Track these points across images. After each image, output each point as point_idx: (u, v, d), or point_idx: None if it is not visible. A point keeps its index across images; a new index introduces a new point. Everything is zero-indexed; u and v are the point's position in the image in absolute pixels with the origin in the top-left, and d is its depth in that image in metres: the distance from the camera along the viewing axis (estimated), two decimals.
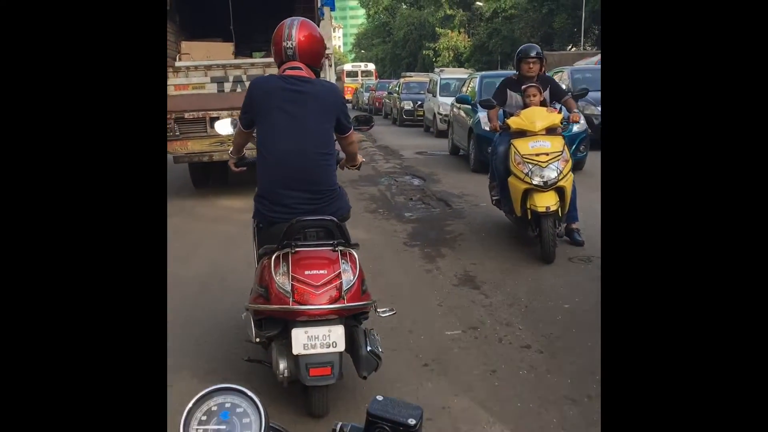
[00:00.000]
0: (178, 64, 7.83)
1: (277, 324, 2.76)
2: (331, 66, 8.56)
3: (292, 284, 2.66)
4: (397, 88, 21.76)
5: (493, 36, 44.16)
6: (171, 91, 7.48)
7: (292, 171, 2.90)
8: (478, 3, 45.97)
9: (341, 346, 2.67)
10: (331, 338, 2.64)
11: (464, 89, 12.09)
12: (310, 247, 2.80)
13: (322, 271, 2.70)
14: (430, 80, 18.12)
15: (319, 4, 8.07)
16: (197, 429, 0.80)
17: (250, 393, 0.82)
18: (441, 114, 16.04)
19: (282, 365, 2.71)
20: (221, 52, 8.20)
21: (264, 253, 2.88)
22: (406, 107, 20.41)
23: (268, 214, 2.97)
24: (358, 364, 2.81)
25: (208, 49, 8.24)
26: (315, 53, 3.04)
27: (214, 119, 7.24)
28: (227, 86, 7.65)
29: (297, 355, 2.64)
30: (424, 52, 50.84)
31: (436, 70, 18.60)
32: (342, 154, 3.35)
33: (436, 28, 49.43)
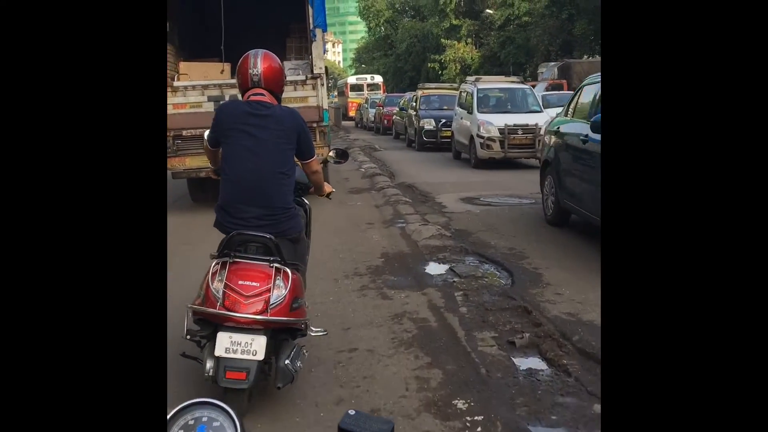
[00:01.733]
0: (176, 84, 8.02)
1: (209, 326, 2.90)
2: (323, 85, 8.36)
3: (224, 291, 2.82)
4: (414, 103, 17.23)
5: (506, 45, 39.86)
6: (170, 110, 7.67)
7: (249, 187, 3.07)
8: (488, 11, 41.81)
9: (260, 356, 2.77)
10: (253, 347, 2.76)
11: (575, 105, 6.62)
12: (249, 259, 2.95)
13: (254, 284, 2.85)
14: (462, 93, 13.61)
15: (311, 26, 8.19)
16: None
17: (226, 407, 0.81)
18: (483, 137, 11.53)
19: (208, 365, 2.84)
20: (218, 72, 8.34)
21: (212, 259, 3.02)
22: (427, 127, 15.96)
23: (224, 224, 3.11)
24: (276, 374, 2.95)
25: (206, 69, 8.40)
26: (277, 81, 3.27)
27: None
28: None
29: (218, 357, 2.78)
30: (429, 64, 46.82)
31: (469, 78, 14.06)
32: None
33: (442, 40, 45.59)
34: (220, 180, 3.18)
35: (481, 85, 12.86)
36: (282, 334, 2.97)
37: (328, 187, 3.61)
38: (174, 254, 4.90)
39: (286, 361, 2.90)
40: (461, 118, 13.07)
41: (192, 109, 7.84)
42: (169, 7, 7.80)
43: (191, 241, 6.41)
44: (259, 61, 3.17)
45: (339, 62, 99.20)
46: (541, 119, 11.28)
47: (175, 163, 7.85)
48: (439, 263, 5.74)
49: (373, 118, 26.71)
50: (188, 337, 2.98)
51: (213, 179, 6.49)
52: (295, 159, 3.23)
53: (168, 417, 0.80)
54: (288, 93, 7.00)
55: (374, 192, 10.01)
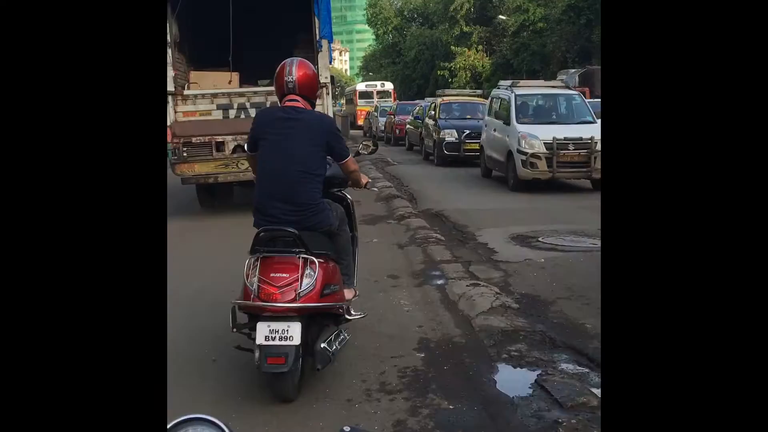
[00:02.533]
0: (186, 92, 8.16)
1: (253, 318, 3.11)
2: (329, 94, 8.30)
3: (258, 284, 3.03)
4: (433, 112, 15.01)
5: (520, 52, 37.71)
6: (180, 117, 7.94)
7: (276, 186, 3.26)
8: (500, 17, 39.71)
9: (296, 341, 2.94)
10: (289, 333, 2.94)
11: None
12: (278, 253, 3.13)
13: (284, 275, 3.04)
14: (495, 100, 11.35)
15: (317, 37, 8.28)
16: None
17: (220, 423, 0.79)
18: (525, 153, 9.36)
19: (257, 354, 2.99)
20: (227, 81, 8.43)
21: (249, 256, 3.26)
22: (448, 139, 13.75)
23: (259, 222, 3.28)
24: (314, 358, 3.10)
25: (215, 78, 8.51)
26: (310, 87, 3.45)
27: (219, 144, 7.89)
28: (232, 113, 8.04)
29: (259, 345, 2.96)
30: (438, 72, 44.85)
31: (503, 83, 11.80)
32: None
33: (451, 47, 43.65)
34: (256, 182, 3.40)
35: (519, 91, 10.52)
36: (323, 319, 3.20)
37: (364, 179, 3.80)
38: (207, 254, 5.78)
39: (323, 344, 3.07)
40: (494, 130, 10.84)
41: (201, 117, 7.97)
42: (179, 18, 8.15)
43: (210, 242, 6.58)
44: (294, 69, 3.39)
45: (346, 70, 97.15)
46: (596, 131, 9.08)
47: (184, 169, 7.86)
48: (515, 366, 3.53)
49: (383, 128, 24.46)
50: (235, 330, 3.18)
51: (223, 186, 7.83)
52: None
53: None
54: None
55: (393, 223, 7.84)
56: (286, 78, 3.35)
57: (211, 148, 7.92)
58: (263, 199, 3.27)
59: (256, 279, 3.02)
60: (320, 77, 7.94)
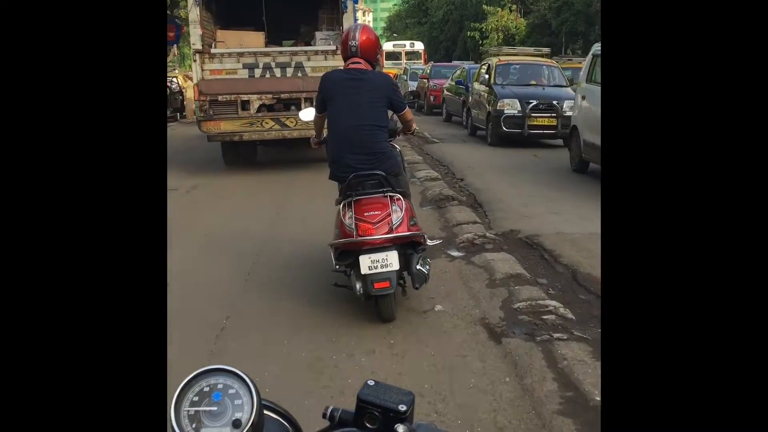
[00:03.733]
0: (213, 51, 8.14)
1: (351, 255, 3.44)
2: None
3: (356, 223, 3.38)
4: (487, 75, 11.44)
5: (562, 11, 33.60)
6: (206, 75, 7.99)
7: (351, 139, 3.56)
8: None
9: (396, 266, 3.36)
10: (388, 260, 3.35)
11: None
12: (368, 195, 3.50)
13: (377, 212, 3.42)
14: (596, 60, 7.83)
15: None
16: (188, 410, 0.75)
17: (242, 374, 0.77)
18: None
19: (357, 285, 3.44)
20: (253, 40, 8.63)
21: (337, 202, 3.65)
22: (508, 111, 10.30)
23: (337, 174, 3.64)
24: (412, 278, 3.55)
25: (241, 37, 8.62)
26: (371, 50, 3.74)
27: (245, 102, 8.00)
28: (257, 72, 8.07)
29: (364, 275, 3.36)
30: (468, 33, 40.94)
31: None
32: (399, 126, 4.04)
33: (483, 6, 39.66)
34: (328, 139, 3.77)
35: None
36: (407, 248, 3.50)
37: (414, 126, 4.14)
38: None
39: (418, 266, 3.51)
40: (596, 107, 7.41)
41: (227, 76, 8.03)
42: None
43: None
44: (357, 34, 3.67)
45: None
46: None
47: (210, 127, 8.00)
48: None
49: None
50: (336, 267, 3.56)
51: (247, 144, 8.48)
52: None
53: (183, 383, 0.74)
54: (318, 62, 8.14)
55: (460, 259, 4.58)
56: (350, 42, 3.66)
57: (236, 106, 8.01)
58: (340, 152, 3.59)
59: (352, 220, 3.39)
60: None
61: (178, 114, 17.95)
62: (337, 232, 3.54)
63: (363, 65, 3.67)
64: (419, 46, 28.72)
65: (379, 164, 3.54)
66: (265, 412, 0.79)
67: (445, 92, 15.91)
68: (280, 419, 0.82)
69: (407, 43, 29.78)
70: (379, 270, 3.32)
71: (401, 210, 3.44)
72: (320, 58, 8.30)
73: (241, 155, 8.93)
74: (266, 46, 8.60)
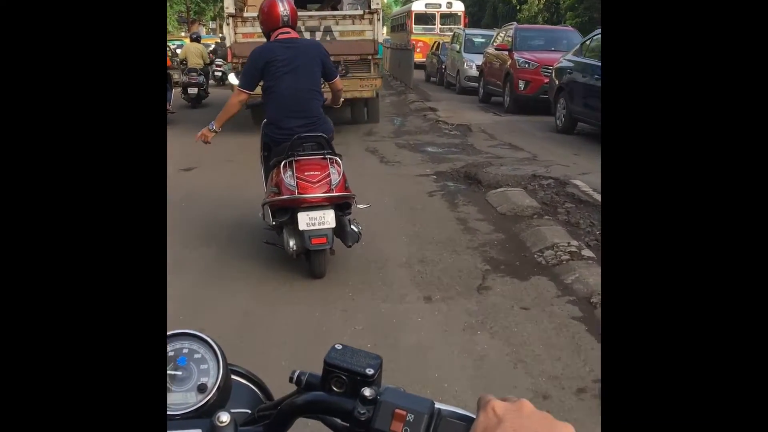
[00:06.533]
0: (246, 14, 8.41)
1: (286, 212, 3.56)
2: (379, 20, 8.62)
3: (297, 182, 3.48)
4: None
5: None
6: (239, 38, 8.23)
7: (291, 103, 3.70)
8: None
9: (332, 224, 3.50)
10: (326, 218, 3.47)
11: None
12: (308, 155, 3.61)
13: (317, 172, 3.53)
14: None
15: None
16: None
17: (208, 338, 0.75)
18: None
19: (291, 242, 3.57)
20: None
21: (274, 163, 3.71)
22: None
23: (275, 137, 3.76)
24: (344, 238, 3.71)
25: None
26: (296, 19, 3.89)
27: None
28: None
29: (302, 231, 3.47)
30: None
31: None
32: (326, 97, 4.05)
33: None
34: (266, 103, 3.81)
35: None
36: (339, 210, 3.61)
37: (342, 100, 4.31)
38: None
39: (351, 227, 3.71)
40: None
41: (259, 39, 7.46)
42: None
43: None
44: (286, 4, 3.78)
45: None
46: None
47: None
48: None
49: (476, 76, 14.04)
50: (273, 224, 3.63)
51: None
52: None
53: None
54: (346, 26, 8.47)
55: None
56: (281, 13, 3.77)
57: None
58: (280, 116, 3.72)
59: (293, 178, 3.48)
60: (372, 2, 8.26)
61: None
62: (275, 190, 3.61)
63: (293, 34, 3.83)
64: (459, 6, 22.85)
65: (315, 128, 3.70)
66: (232, 376, 0.77)
67: (566, 77, 8.98)
68: (248, 383, 0.81)
69: (443, 2, 22.70)
70: (317, 227, 3.46)
71: (338, 173, 3.58)
72: (348, 22, 8.50)
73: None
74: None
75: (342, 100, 4.29)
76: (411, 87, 15.77)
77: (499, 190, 5.75)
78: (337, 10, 9.52)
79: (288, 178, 3.50)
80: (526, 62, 11.24)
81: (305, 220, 3.44)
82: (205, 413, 0.71)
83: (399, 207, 5.42)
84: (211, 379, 0.73)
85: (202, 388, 0.72)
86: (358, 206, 3.92)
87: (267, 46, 3.82)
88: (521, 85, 11.20)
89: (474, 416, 0.59)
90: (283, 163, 3.56)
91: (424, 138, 9.09)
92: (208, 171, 6.87)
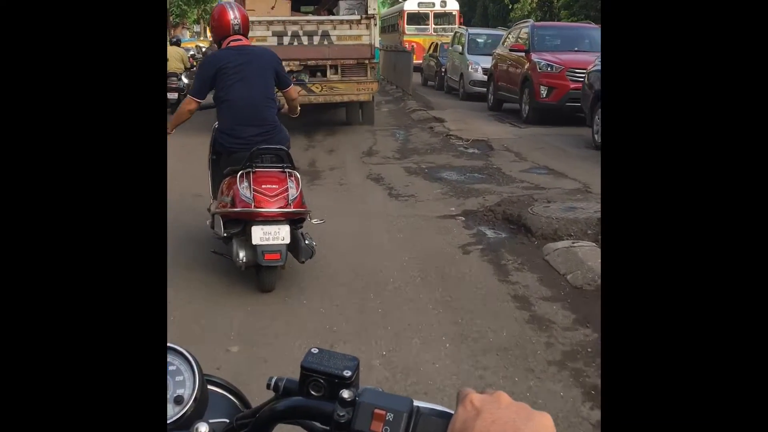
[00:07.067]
0: None
1: (239, 224, 3.40)
2: (375, 25, 8.73)
3: (253, 194, 3.33)
4: None
5: None
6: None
7: (246, 112, 3.56)
8: None
9: (287, 240, 3.35)
10: (281, 234, 3.33)
11: None
12: (266, 168, 3.46)
13: (274, 186, 3.39)
14: None
15: None
16: None
17: (183, 350, 0.73)
18: None
19: (242, 254, 3.38)
20: (280, 8, 8.69)
21: (229, 173, 3.53)
22: None
23: (229, 145, 3.60)
24: (297, 254, 3.54)
25: (268, 5, 8.64)
26: (248, 27, 3.78)
27: None
28: (286, 39, 8.30)
29: (255, 245, 3.32)
30: None
31: None
32: (284, 105, 4.02)
33: None
34: (218, 110, 3.65)
35: None
36: (294, 224, 3.46)
37: (299, 109, 4.13)
38: None
39: (305, 242, 3.51)
40: None
41: (257, 43, 7.63)
42: None
43: None
44: (237, 12, 3.66)
45: None
46: None
47: None
48: None
49: (483, 78, 12.73)
50: (224, 235, 3.46)
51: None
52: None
53: None
54: (344, 31, 8.47)
55: None
56: (232, 21, 3.63)
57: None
58: (234, 124, 3.56)
59: (249, 190, 3.33)
60: (368, 8, 8.60)
61: None
62: (228, 200, 3.47)
63: (245, 41, 3.75)
64: (453, 4, 21.38)
65: (270, 138, 3.58)
66: (209, 387, 0.76)
67: (586, 85, 8.08)
68: (225, 393, 0.79)
69: (437, 0, 21.15)
70: (271, 242, 3.33)
71: (296, 187, 3.46)
72: (345, 27, 8.49)
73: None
74: (291, 14, 8.91)
75: (299, 109, 4.15)
76: (410, 93, 14.08)
77: (560, 244, 4.15)
78: (333, 13, 9.52)
79: (244, 189, 3.37)
80: (549, 65, 9.65)
81: (259, 234, 3.32)
82: (182, 425, 0.70)
83: (425, 274, 3.84)
84: (188, 390, 0.71)
85: (178, 400, 0.71)
86: (312, 221, 3.83)
87: (218, 54, 3.74)
88: (543, 91, 9.58)
89: (453, 412, 0.59)
90: (240, 174, 3.40)
91: (438, 159, 7.47)
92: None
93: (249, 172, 3.38)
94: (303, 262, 3.58)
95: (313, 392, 0.65)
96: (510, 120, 10.39)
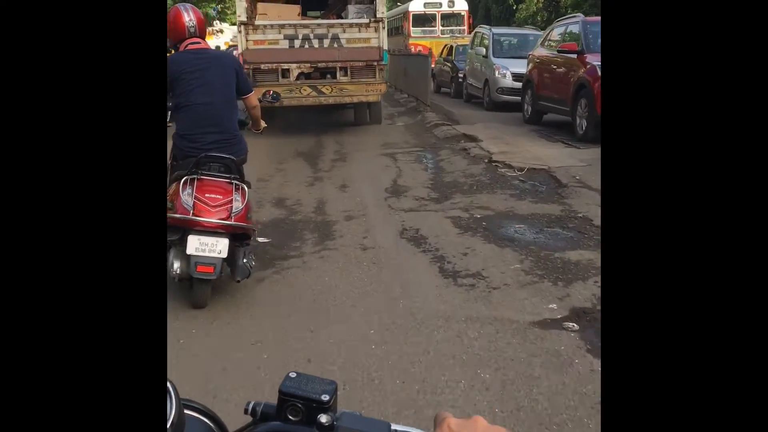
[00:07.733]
0: (257, 22, 8.67)
1: (177, 231, 3.19)
2: (384, 28, 8.83)
3: (194, 202, 3.19)
4: None
5: None
6: (251, 45, 8.52)
7: (205, 116, 3.43)
8: None
9: (224, 254, 3.17)
10: (218, 247, 3.15)
11: None
12: (213, 177, 3.31)
13: (218, 196, 3.25)
14: None
15: None
16: None
17: None
18: None
19: (176, 265, 3.22)
20: (290, 12, 9.24)
21: (176, 177, 3.34)
22: None
23: (184, 150, 3.44)
24: (234, 271, 3.36)
25: (280, 10, 9.16)
26: (204, 29, 3.66)
27: (285, 71, 8.61)
28: (297, 43, 8.57)
29: (189, 255, 3.13)
30: None
31: None
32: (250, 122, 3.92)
33: None
34: (178, 116, 3.48)
35: None
36: (236, 240, 3.30)
37: (263, 123, 3.96)
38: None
39: (243, 260, 3.35)
40: None
41: (269, 46, 8.46)
42: None
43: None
44: (192, 14, 3.55)
45: None
46: None
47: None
48: None
49: (512, 85, 11.14)
50: None
51: (284, 108, 8.63)
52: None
53: None
54: (353, 34, 8.64)
55: None
56: (187, 23, 3.52)
57: (277, 74, 8.54)
58: (192, 128, 3.42)
59: (191, 198, 3.19)
60: (377, 12, 8.92)
61: None
62: (169, 205, 3.31)
63: (203, 44, 3.63)
64: (462, 5, 19.78)
65: (228, 147, 3.46)
66: (186, 411, 0.72)
67: None
68: (203, 417, 0.76)
69: (444, 1, 19.70)
70: (206, 254, 3.16)
71: (242, 201, 3.32)
72: (354, 30, 8.69)
73: (277, 119, 9.09)
74: (301, 18, 9.25)
75: (263, 126, 3.99)
76: (428, 104, 11.99)
77: None
78: (342, 17, 9.77)
79: (186, 196, 3.22)
80: None
81: (195, 244, 3.14)
82: None
83: None
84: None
85: None
86: (258, 240, 3.64)
87: (176, 57, 3.57)
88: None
89: None
90: (184, 180, 3.25)
91: (492, 202, 5.45)
92: None
93: (194, 178, 3.27)
94: (238, 281, 3.44)
95: (290, 417, 0.66)
96: (561, 137, 8.38)
